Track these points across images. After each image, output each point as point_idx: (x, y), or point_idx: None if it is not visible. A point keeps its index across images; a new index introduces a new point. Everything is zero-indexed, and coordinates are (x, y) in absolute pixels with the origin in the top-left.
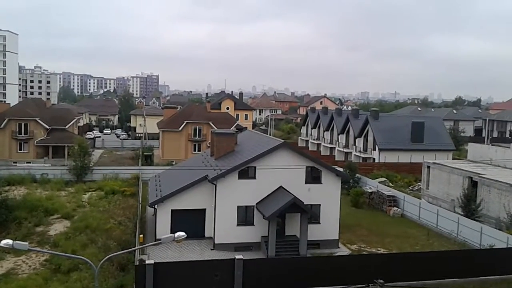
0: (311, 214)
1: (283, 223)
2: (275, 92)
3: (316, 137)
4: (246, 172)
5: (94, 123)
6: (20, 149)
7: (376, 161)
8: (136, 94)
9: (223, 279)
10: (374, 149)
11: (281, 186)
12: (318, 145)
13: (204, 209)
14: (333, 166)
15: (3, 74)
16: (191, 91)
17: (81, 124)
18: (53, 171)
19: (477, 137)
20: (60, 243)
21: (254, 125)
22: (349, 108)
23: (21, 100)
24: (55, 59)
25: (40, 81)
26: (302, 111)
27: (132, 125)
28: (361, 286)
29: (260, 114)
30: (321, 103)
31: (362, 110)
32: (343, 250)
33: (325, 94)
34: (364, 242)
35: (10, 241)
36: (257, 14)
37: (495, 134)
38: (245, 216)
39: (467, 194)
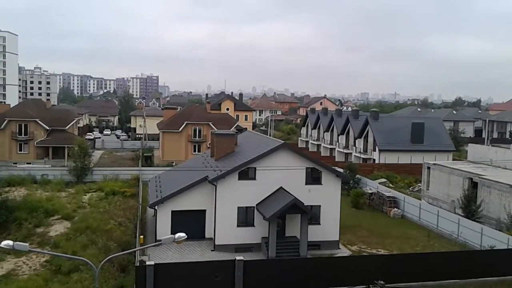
0: (311, 215)
1: (284, 224)
2: (275, 93)
3: (316, 138)
4: (246, 173)
5: (94, 124)
6: (20, 150)
7: (376, 162)
8: (136, 95)
9: (223, 280)
10: (374, 150)
11: (281, 187)
12: (318, 146)
13: (204, 210)
14: (333, 167)
15: (3, 75)
16: (191, 92)
17: (81, 125)
18: (53, 172)
19: (477, 138)
20: (61, 244)
21: (254, 126)
22: (349, 109)
23: (21, 101)
24: (55, 60)
25: (40, 82)
26: (302, 112)
27: (132, 126)
28: (362, 287)
29: (260, 115)
30: (321, 103)
31: (362, 111)
32: (343, 251)
33: (325, 95)
34: (365, 243)
35: (10, 242)
36: (257, 14)
37: (495, 135)
38: (245, 217)
39: (467, 195)
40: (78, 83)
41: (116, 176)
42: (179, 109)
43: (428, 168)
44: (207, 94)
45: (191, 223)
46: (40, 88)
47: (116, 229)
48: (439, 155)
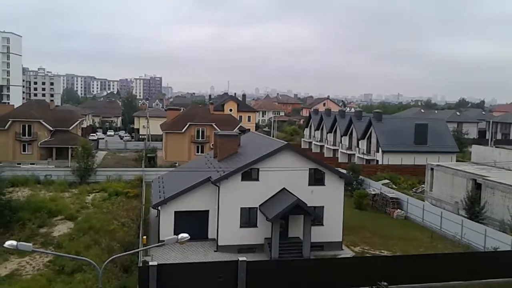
0: (314, 216)
1: (287, 225)
2: (278, 93)
3: (319, 139)
4: (249, 173)
5: (97, 125)
6: (24, 150)
7: (380, 163)
8: (140, 96)
9: (226, 280)
10: (378, 151)
11: (284, 188)
12: (321, 147)
13: (207, 211)
14: (336, 168)
15: (7, 75)
16: (194, 93)
17: (84, 125)
18: (56, 173)
19: (481, 139)
20: (64, 244)
21: (257, 126)
22: (352, 110)
23: (25, 101)
24: (59, 61)
25: (43, 83)
26: (305, 113)
27: (136, 126)
28: None
29: (263, 116)
30: (324, 105)
31: (365, 112)
32: (346, 252)
33: (328, 96)
34: (368, 244)
35: (14, 242)
36: (259, 16)
37: (499, 136)
38: (248, 218)
39: (471, 196)
40: (81, 84)
41: (119, 177)
42: (182, 110)
43: (432, 169)
44: (210, 95)
45: (194, 224)
46: (43, 89)
47: (119, 229)
48: (442, 156)
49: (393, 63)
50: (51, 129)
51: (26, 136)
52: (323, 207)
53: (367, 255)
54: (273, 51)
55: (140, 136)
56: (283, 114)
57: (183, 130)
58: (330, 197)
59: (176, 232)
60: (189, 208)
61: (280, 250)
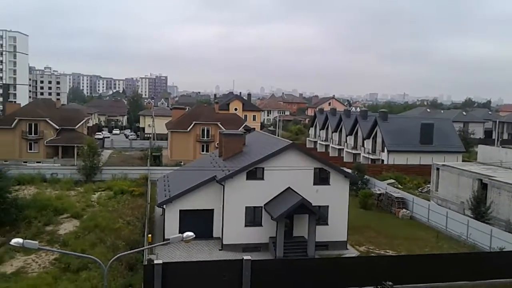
0: (319, 215)
1: (291, 224)
2: (283, 93)
3: (325, 138)
4: (254, 173)
5: (103, 124)
6: (30, 149)
7: (385, 162)
8: (145, 95)
9: (231, 279)
10: (383, 151)
11: (289, 187)
12: (327, 146)
13: (212, 210)
14: (342, 168)
15: (14, 74)
16: (199, 92)
17: (90, 124)
18: (62, 171)
19: (487, 139)
20: (70, 242)
21: (262, 126)
22: (358, 109)
23: (31, 100)
24: (65, 60)
25: (50, 82)
26: (310, 112)
27: (141, 125)
28: None
29: (268, 115)
30: (329, 104)
31: (370, 112)
32: (351, 252)
33: (334, 95)
34: (373, 244)
35: (20, 240)
36: (266, 16)
37: (505, 136)
38: (253, 216)
39: (477, 197)
40: (87, 83)
41: (124, 175)
42: (187, 109)
43: (437, 169)
44: (215, 94)
45: (199, 223)
46: (50, 88)
47: (125, 228)
48: (448, 156)
49: (398, 62)
50: (57, 127)
51: (33, 135)
52: (328, 206)
53: (372, 254)
54: (279, 51)
55: (146, 135)
56: (288, 114)
57: (188, 129)
58: (335, 197)
59: (181, 231)
60: (194, 207)
61: (285, 249)
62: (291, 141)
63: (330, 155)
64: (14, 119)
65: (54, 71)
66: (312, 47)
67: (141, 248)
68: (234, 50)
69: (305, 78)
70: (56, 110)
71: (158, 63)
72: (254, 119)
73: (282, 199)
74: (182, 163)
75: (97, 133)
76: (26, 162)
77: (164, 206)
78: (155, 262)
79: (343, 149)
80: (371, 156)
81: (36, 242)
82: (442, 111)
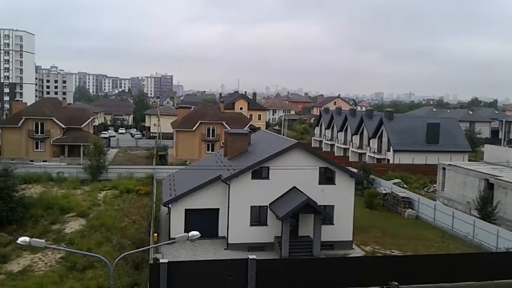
0: (324, 215)
1: (297, 224)
2: (288, 92)
3: (330, 137)
4: (260, 172)
5: (109, 123)
6: (37, 148)
7: (391, 162)
8: (151, 94)
9: (236, 279)
10: (389, 150)
11: (294, 187)
12: (332, 145)
13: (218, 209)
14: (347, 167)
15: (20, 74)
16: (204, 91)
17: (96, 123)
18: (69, 170)
19: (494, 138)
20: (76, 241)
21: (268, 125)
22: (363, 108)
23: (38, 99)
24: (71, 59)
25: (56, 81)
26: (315, 111)
27: (147, 124)
28: None
29: (273, 115)
30: (334, 103)
31: (376, 111)
32: (357, 252)
33: (339, 95)
34: (378, 243)
35: (27, 239)
36: (271, 15)
37: None
38: (258, 216)
39: (483, 197)
40: (93, 82)
41: (130, 175)
42: (193, 108)
43: (444, 168)
44: (220, 94)
45: (205, 222)
46: (56, 87)
47: (130, 227)
48: (454, 155)
49: (404, 61)
50: (64, 127)
51: (39, 134)
52: (333, 206)
53: (378, 254)
54: (284, 50)
55: (151, 134)
56: (294, 113)
57: (194, 128)
58: (341, 196)
59: (187, 230)
60: (199, 206)
61: (290, 248)
62: (297, 141)
63: (335, 155)
64: (20, 118)
65: (60, 70)
66: (317, 46)
67: (147, 247)
68: (239, 49)
69: (310, 77)
70: (62, 109)
71: (163, 62)
72: (259, 118)
73: (287, 199)
74: (187, 162)
75: (103, 132)
76: (32, 161)
77: (170, 205)
78: (161, 261)
79: (348, 148)
80: (376, 156)
81: (43, 240)
82: (448, 111)
